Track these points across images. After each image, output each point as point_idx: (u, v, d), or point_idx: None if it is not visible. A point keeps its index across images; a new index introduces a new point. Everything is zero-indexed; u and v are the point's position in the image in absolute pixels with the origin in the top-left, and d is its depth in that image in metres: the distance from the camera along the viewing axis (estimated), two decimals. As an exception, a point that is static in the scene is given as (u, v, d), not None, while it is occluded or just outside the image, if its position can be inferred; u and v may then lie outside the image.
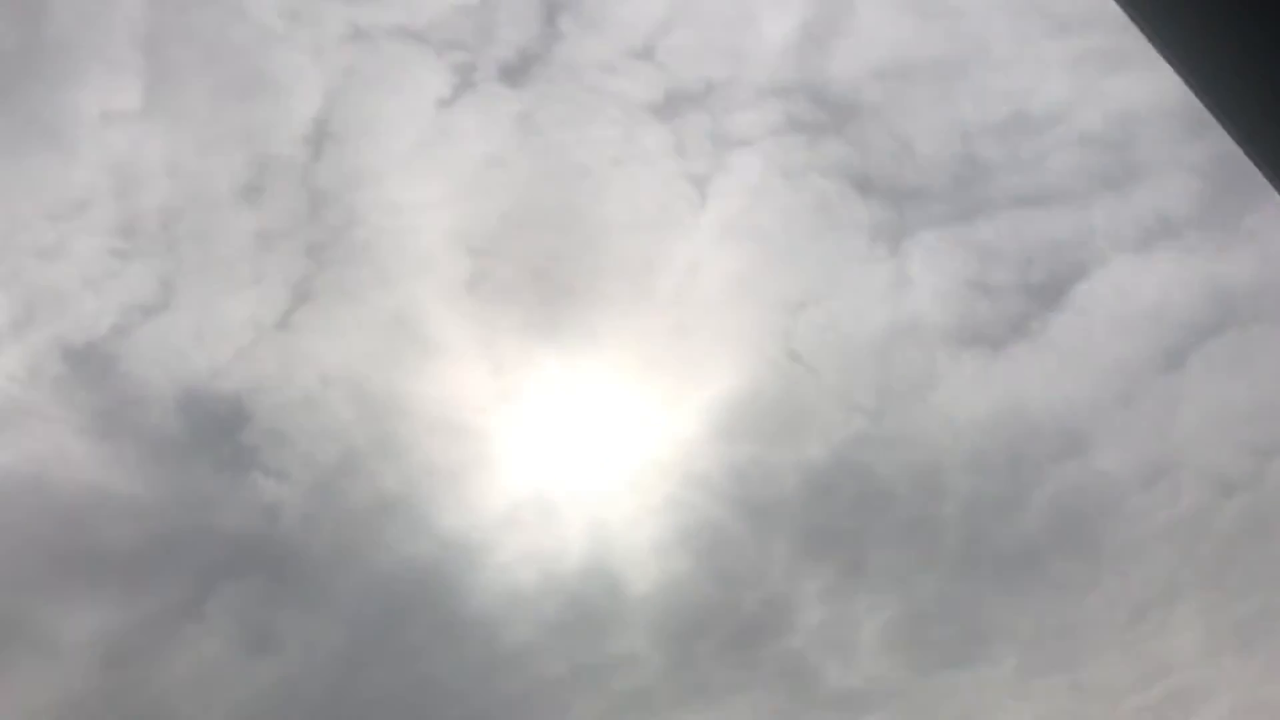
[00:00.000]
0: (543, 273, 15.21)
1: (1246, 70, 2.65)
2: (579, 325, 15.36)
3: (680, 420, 15.83)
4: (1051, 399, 15.94)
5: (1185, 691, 16.20)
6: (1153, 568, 16.37)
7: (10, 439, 14.77)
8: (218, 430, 15.54)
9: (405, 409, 15.41)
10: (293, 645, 15.96)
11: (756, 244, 15.31)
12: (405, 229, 14.64)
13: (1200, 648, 16.13)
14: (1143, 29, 2.56)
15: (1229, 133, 2.96)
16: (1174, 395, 15.68)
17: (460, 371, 15.35)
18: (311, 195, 14.63)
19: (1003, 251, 15.44)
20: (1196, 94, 2.71)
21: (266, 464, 15.66)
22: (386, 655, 15.88)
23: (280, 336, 15.20)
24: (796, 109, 14.49)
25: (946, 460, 16.17)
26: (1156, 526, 16.18)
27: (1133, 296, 15.51)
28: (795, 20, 13.88)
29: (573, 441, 15.83)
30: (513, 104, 14.03)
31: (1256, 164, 2.90)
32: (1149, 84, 13.62)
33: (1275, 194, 2.92)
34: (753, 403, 15.87)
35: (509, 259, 15.08)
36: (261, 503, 15.78)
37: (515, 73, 13.92)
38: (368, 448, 15.48)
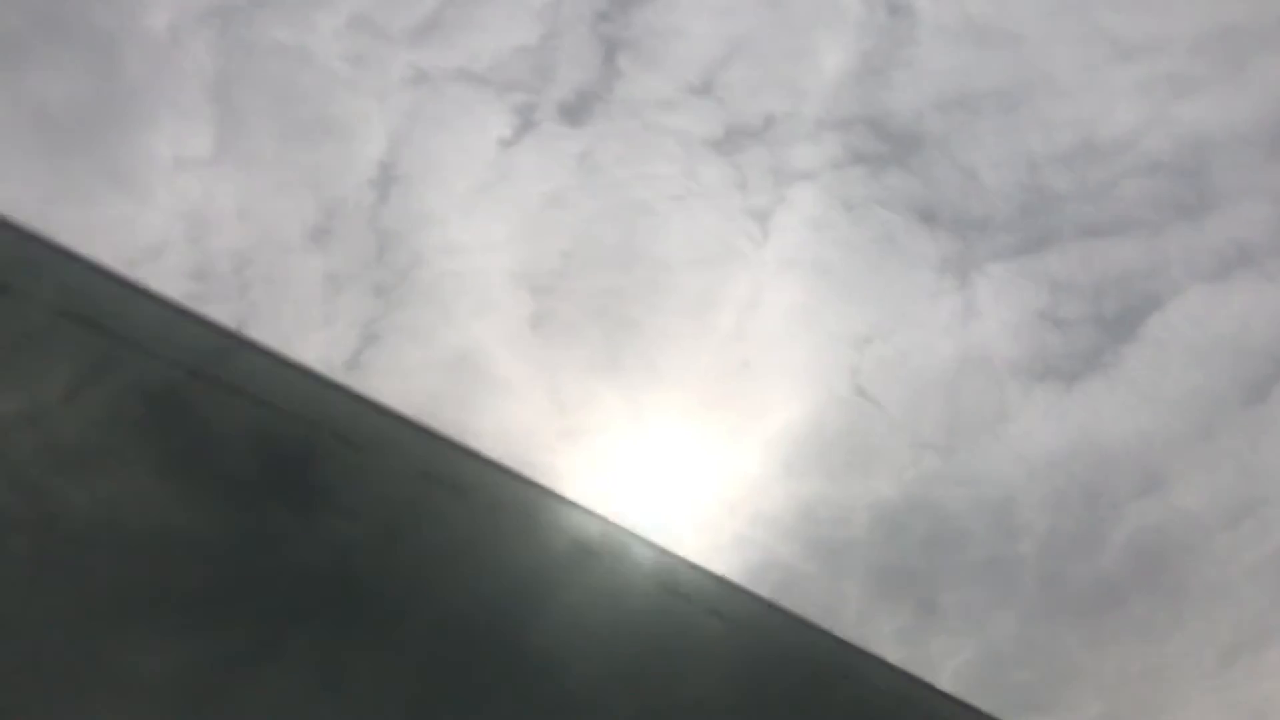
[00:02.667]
0: (605, 310, 15.41)
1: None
2: (642, 362, 15.47)
3: (746, 457, 15.82)
4: (1128, 434, 15.79)
5: (1281, 739, 15.35)
6: (1240, 609, 16.10)
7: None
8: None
9: (472, 449, 15.42)
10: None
11: (819, 277, 15.38)
12: (468, 269, 14.96)
13: (1293, 693, 15.43)
14: None
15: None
16: (1257, 429, 15.31)
17: (525, 410, 15.49)
18: (378, 237, 14.87)
19: (1073, 283, 15.37)
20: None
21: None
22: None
23: (350, 376, 15.29)
24: (857, 141, 14.53)
25: (1021, 497, 16.04)
26: (1243, 566, 15.96)
27: (1210, 327, 15.31)
28: (854, 51, 13.88)
29: (638, 479, 15.78)
30: (573, 143, 14.23)
31: None
32: (1220, 108, 13.39)
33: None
34: (819, 439, 15.92)
35: (571, 297, 15.27)
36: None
37: (575, 111, 14.13)
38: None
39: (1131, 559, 16.06)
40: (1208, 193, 14.26)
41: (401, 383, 15.39)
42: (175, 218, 14.22)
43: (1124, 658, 16.46)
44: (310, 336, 15.18)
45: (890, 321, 15.71)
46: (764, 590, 15.99)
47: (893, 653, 15.39)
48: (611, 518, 16.40)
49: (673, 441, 15.78)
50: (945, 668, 16.16)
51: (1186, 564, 15.82)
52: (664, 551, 16.15)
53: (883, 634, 16.24)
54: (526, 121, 14.20)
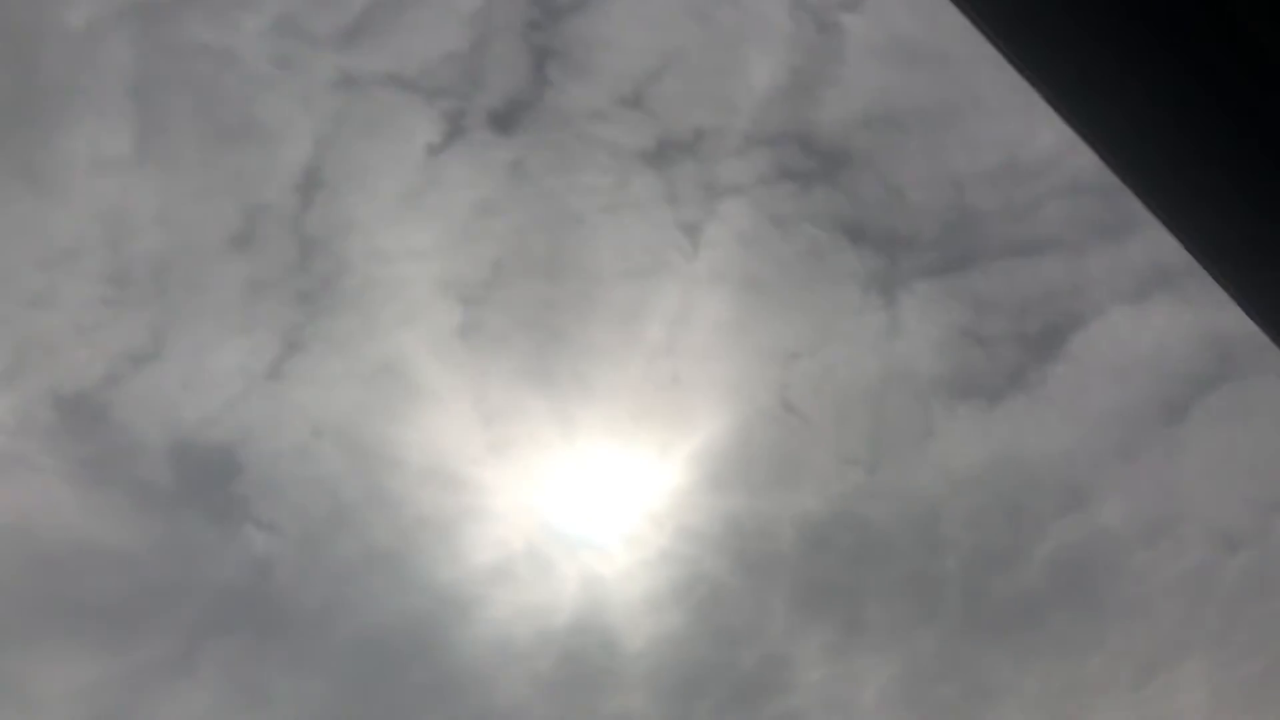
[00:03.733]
0: (534, 321, 15.35)
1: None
2: (571, 374, 15.43)
3: (674, 471, 15.90)
4: (1050, 451, 15.96)
5: (1194, 753, 15.57)
6: (1158, 625, 16.35)
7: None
8: (208, 481, 15.60)
9: (396, 459, 15.49)
10: (282, 701, 15.83)
11: (749, 292, 15.43)
12: (395, 277, 14.80)
13: (1207, 707, 16.09)
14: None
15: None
16: (1175, 448, 15.70)
17: (451, 421, 15.46)
18: (302, 243, 14.76)
19: (997, 301, 15.53)
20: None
21: (258, 516, 15.69)
22: (377, 711, 15.81)
23: (271, 386, 15.26)
24: (786, 157, 14.66)
25: (945, 513, 16.21)
26: (1160, 583, 16.20)
27: (1130, 347, 15.55)
28: (784, 67, 14.00)
29: (565, 493, 15.89)
30: (503, 151, 14.21)
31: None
32: (1141, 132, 13.57)
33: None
34: (746, 454, 15.95)
35: (500, 307, 15.21)
36: (252, 555, 15.77)
37: (505, 120, 14.10)
38: (359, 499, 15.55)
39: (1053, 575, 16.27)
40: (1129, 214, 14.52)
41: (325, 392, 15.36)
42: (92, 219, 13.98)
43: (1045, 674, 16.66)
44: (230, 344, 14.97)
45: (817, 337, 15.79)
46: (691, 605, 15.86)
47: (818, 668, 16.42)
48: (538, 531, 16.22)
49: (601, 454, 15.82)
50: (869, 682, 16.44)
51: (1106, 581, 16.21)
52: (589, 565, 16.01)
53: (808, 649, 16.47)
54: (456, 128, 14.16)
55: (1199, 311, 15.03)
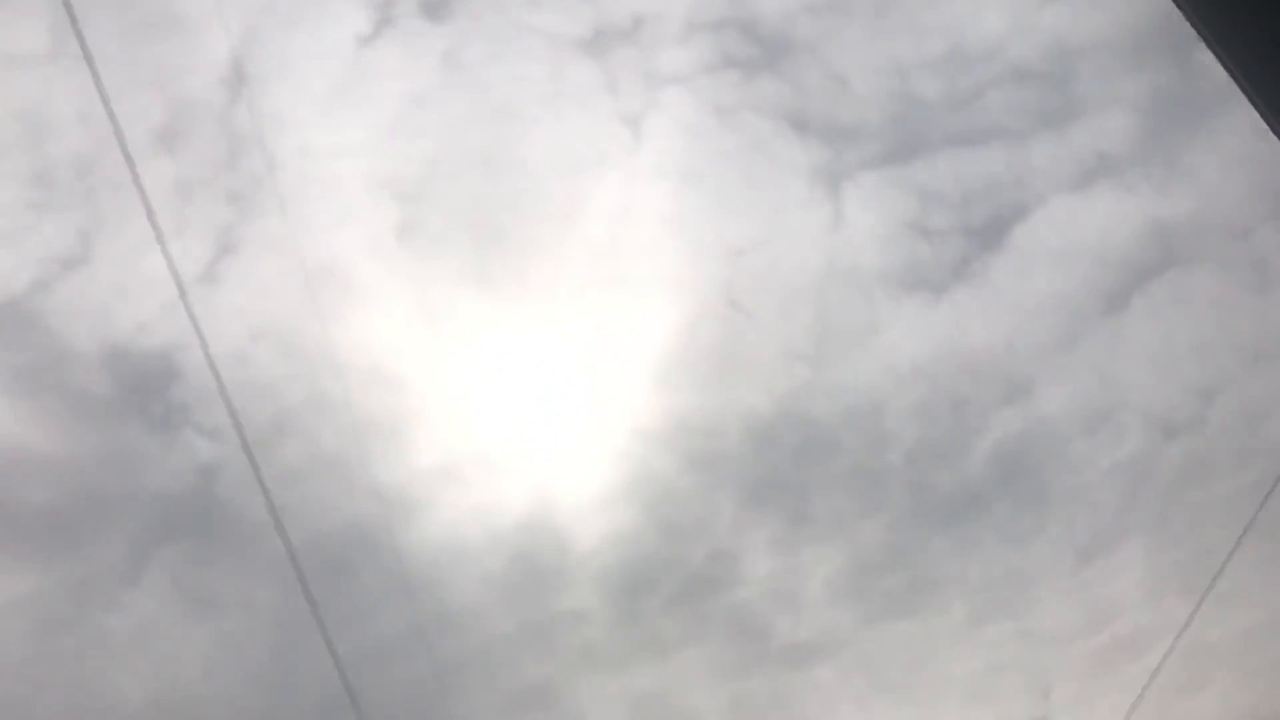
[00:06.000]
0: (472, 219, 15.17)
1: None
2: (512, 274, 15.34)
3: (620, 371, 15.88)
4: (993, 343, 16.06)
5: (1131, 636, 16.43)
6: (1097, 513, 16.61)
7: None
8: (146, 388, 15.45)
9: (337, 363, 15.05)
10: (231, 609, 15.85)
11: (692, 187, 15.31)
12: (328, 175, 14.51)
13: (1145, 591, 16.36)
14: None
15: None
16: (1116, 337, 15.82)
17: (392, 323, 15.32)
18: (230, 140, 14.37)
19: (941, 192, 15.51)
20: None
21: (198, 423, 15.51)
22: (327, 617, 15.65)
23: (205, 290, 14.88)
24: (729, 44, 14.46)
25: (890, 407, 16.32)
26: (1099, 471, 16.43)
27: (1073, 237, 15.57)
28: (724, -49, 13.61)
29: (510, 394, 15.83)
30: (435, 40, 13.89)
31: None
32: (1086, 16, 13.58)
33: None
34: (692, 351, 15.99)
35: (437, 205, 14.99)
36: (195, 463, 15.63)
37: (436, 7, 13.75)
38: (301, 404, 15.36)
39: (995, 466, 16.49)
40: (1072, 101, 14.62)
41: (260, 296, 15.14)
42: (10, 119, 13.61)
43: (987, 562, 16.90)
44: (160, 247, 14.58)
45: (762, 232, 15.69)
46: (640, 503, 15.79)
47: (765, 562, 16.56)
48: (485, 433, 16.02)
49: (546, 355, 15.80)
50: (816, 575, 16.65)
51: (1047, 470, 16.40)
52: (537, 466, 15.89)
53: (756, 543, 16.67)
54: (385, 18, 13.87)
55: (1141, 200, 15.11)
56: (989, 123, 15.25)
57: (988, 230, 15.63)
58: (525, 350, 15.63)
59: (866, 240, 15.67)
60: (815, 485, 16.38)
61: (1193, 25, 2.71)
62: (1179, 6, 2.69)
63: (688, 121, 15.06)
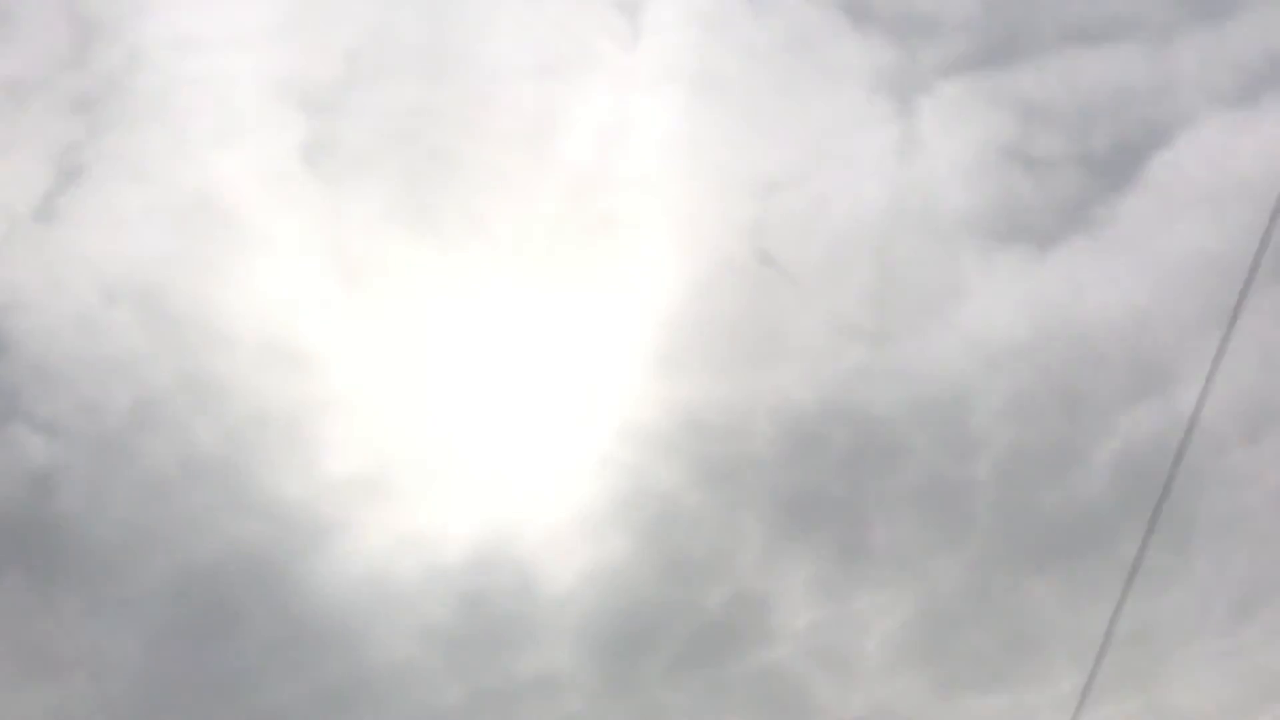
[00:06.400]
0: (407, 137, 14.81)
1: None
2: (461, 211, 14.90)
3: (610, 348, 15.31)
4: (1119, 314, 15.50)
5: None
6: (1260, 549, 15.78)
7: None
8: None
9: (221, 333, 14.85)
10: (78, 663, 15.10)
11: (709, 97, 14.95)
12: (209, 74, 14.25)
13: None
14: None
15: None
16: (1289, 308, 14.84)
17: (296, 279, 14.88)
18: (75, 28, 14.03)
19: (1051, 108, 15.14)
20: None
21: (32, 413, 15.01)
22: (204, 676, 14.97)
23: (41, 231, 14.54)
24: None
25: (976, 401, 15.61)
26: (1265, 491, 15.69)
27: (1230, 168, 14.88)
28: None
29: (459, 378, 15.26)
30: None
31: None
32: None
33: None
34: (708, 323, 15.38)
35: (359, 118, 14.75)
36: (26, 467, 15.11)
37: None
38: (171, 388, 14.88)
39: (1119, 483, 15.74)
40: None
41: (116, 238, 14.71)
42: None
43: (1105, 615, 15.57)
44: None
45: (805, 160, 15.27)
46: (636, 529, 14.35)
47: (806, 611, 15.56)
48: (423, 430, 14.51)
49: (508, 325, 15.25)
50: (874, 630, 15.88)
51: (1192, 489, 14.92)
52: (494, 477, 14.23)
53: (793, 585, 15.98)
54: None
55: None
56: (1119, 14, 15.00)
57: (1114, 160, 15.21)
58: (479, 318, 15.19)
59: (947, 172, 15.13)
60: (874, 506, 15.68)
61: None
62: None
63: (706, 10, 14.87)
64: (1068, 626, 15.71)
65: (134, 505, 14.90)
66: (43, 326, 14.57)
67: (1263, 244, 7.80)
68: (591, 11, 14.49)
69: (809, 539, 15.88)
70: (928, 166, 15.20)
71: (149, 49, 13.98)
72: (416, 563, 15.14)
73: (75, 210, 14.36)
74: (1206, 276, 15.20)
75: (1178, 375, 15.52)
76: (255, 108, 14.24)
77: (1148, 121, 15.12)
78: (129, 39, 13.89)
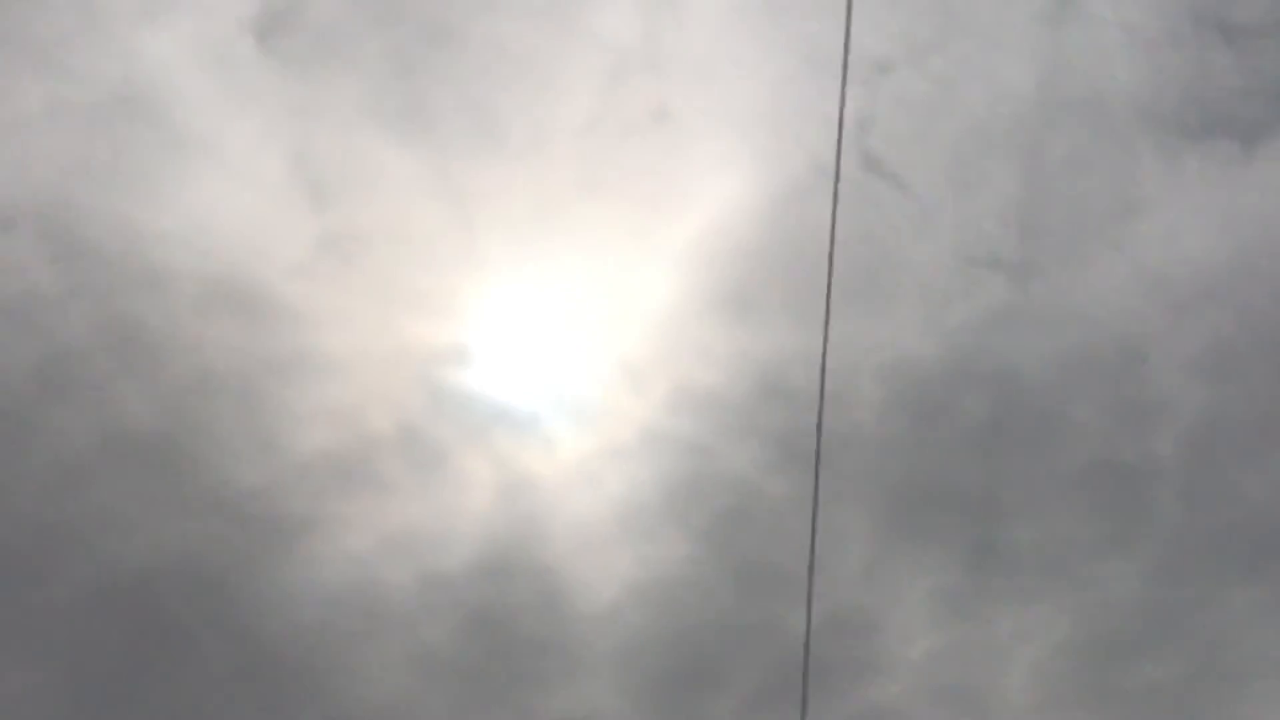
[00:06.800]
0: (394, 8, 13.50)
1: None
2: (460, 103, 13.48)
3: (657, 287, 14.08)
4: None
5: None
6: None
7: None
8: None
9: (153, 269, 13.57)
10: None
11: None
12: None
13: None
14: None
15: None
16: None
17: (247, 195, 13.62)
18: None
19: None
20: None
21: None
22: (133, 718, 13.77)
23: None
24: None
25: (1157, 354, 14.49)
26: None
27: None
28: None
29: (460, 327, 14.04)
30: None
31: None
32: None
33: None
34: (794, 254, 14.09)
35: None
36: None
37: None
38: (81, 340, 13.69)
39: None
40: None
41: (12, 145, 13.40)
42: None
43: None
44: None
45: (926, 30, 14.08)
46: (695, 526, 13.31)
47: (926, 635, 14.50)
48: (413, 398, 12.42)
49: (522, 256, 13.93)
50: (1018, 659, 14.75)
51: None
52: (502, 460, 12.86)
53: (909, 601, 14.85)
54: None
55: None
56: None
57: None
58: (486, 247, 13.83)
59: (1117, 46, 13.67)
60: (1017, 496, 14.55)
61: None
62: None
63: None
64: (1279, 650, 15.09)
65: (40, 495, 13.74)
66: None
67: None
68: None
69: (930, 540, 14.94)
70: (1091, 38, 13.97)
71: None
72: (410, 570, 14.25)
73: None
74: None
75: None
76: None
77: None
78: None
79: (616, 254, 14.17)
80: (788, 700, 15.09)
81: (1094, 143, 14.04)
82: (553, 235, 14.04)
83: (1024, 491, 14.82)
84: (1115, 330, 14.42)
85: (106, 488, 13.98)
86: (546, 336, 14.25)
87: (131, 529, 13.98)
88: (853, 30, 14.78)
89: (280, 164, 13.76)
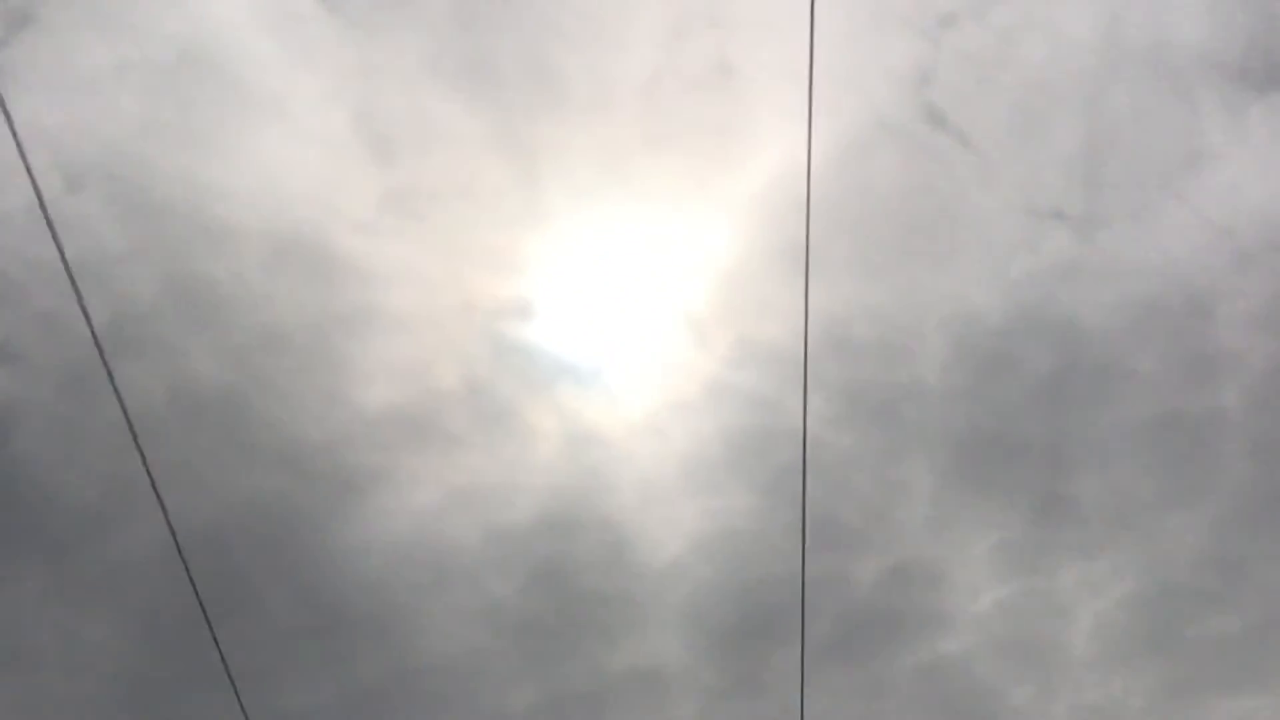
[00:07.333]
0: None
1: None
2: (527, 63, 13.19)
3: (723, 241, 13.88)
4: None
5: None
6: None
7: None
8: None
9: (215, 228, 13.54)
10: (41, 656, 14.29)
11: None
12: None
13: None
14: None
15: None
16: None
17: (311, 154, 13.42)
18: None
19: None
20: None
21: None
22: (202, 672, 13.50)
23: None
24: None
25: (1223, 306, 14.30)
26: None
27: None
28: None
29: (525, 283, 13.96)
30: None
31: None
32: None
33: None
34: (857, 206, 13.99)
35: None
36: None
37: None
38: (153, 302, 13.68)
39: None
40: None
41: (79, 105, 13.15)
42: None
43: None
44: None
45: None
46: (760, 480, 13.34)
47: (992, 588, 14.59)
48: (479, 351, 12.39)
49: (586, 211, 13.78)
50: (1085, 610, 14.92)
51: None
52: (573, 415, 12.76)
53: (974, 555, 15.05)
54: None
55: None
56: None
57: None
58: (552, 202, 13.63)
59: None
60: (1082, 448, 14.56)
61: None
62: None
63: None
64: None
65: (111, 453, 13.96)
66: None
67: None
68: None
69: (994, 493, 15.08)
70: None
71: None
72: (476, 524, 14.57)
73: (23, 72, 13.00)
74: None
75: None
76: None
77: None
78: None
79: (680, 208, 14.07)
80: (855, 652, 15.15)
81: (1157, 94, 13.74)
82: (616, 190, 13.97)
83: (1089, 444, 14.82)
84: (1180, 282, 14.27)
85: (176, 443, 14.23)
86: (610, 291, 14.24)
87: (200, 484, 14.27)
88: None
89: (345, 121, 13.63)
